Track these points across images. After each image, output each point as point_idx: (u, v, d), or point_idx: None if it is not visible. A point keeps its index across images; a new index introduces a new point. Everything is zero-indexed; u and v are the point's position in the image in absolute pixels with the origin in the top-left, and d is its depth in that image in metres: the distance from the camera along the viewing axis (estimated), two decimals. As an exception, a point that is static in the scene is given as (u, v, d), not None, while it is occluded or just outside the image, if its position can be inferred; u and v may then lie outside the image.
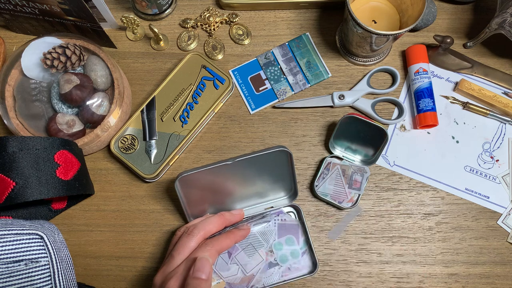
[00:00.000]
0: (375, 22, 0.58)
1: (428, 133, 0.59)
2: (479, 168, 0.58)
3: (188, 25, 0.62)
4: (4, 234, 0.44)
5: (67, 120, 0.53)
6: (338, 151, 0.58)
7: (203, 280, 0.42)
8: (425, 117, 0.57)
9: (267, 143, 0.59)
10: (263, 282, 0.51)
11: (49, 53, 0.52)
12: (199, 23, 0.63)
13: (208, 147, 0.59)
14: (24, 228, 0.45)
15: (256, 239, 0.52)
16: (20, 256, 0.44)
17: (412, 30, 0.62)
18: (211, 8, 0.63)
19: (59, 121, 0.53)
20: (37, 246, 0.45)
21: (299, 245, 0.53)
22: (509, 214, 0.56)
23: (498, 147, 0.58)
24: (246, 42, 0.62)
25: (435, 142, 0.59)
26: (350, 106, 0.60)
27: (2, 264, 0.43)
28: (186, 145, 0.58)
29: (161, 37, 0.61)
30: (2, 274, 0.43)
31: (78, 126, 0.54)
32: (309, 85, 0.60)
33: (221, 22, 0.63)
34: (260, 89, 0.60)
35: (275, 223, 0.54)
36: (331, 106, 0.60)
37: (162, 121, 0.57)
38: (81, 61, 0.54)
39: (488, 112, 0.58)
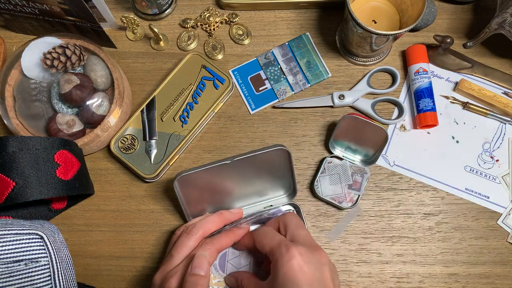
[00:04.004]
0: (375, 22, 0.58)
1: (428, 133, 0.59)
2: (479, 168, 0.58)
3: (188, 25, 0.62)
4: (4, 234, 0.44)
5: (67, 120, 0.53)
6: (338, 151, 0.58)
7: (201, 276, 0.42)
8: (425, 117, 0.57)
9: (267, 143, 0.59)
10: None
11: (49, 53, 0.52)
12: (199, 23, 0.63)
13: (208, 147, 0.59)
14: (24, 228, 0.45)
15: None
16: (20, 256, 0.44)
17: (412, 30, 0.62)
18: (211, 8, 0.63)
19: (59, 121, 0.53)
20: (37, 246, 0.45)
21: None
22: (509, 214, 0.56)
23: (498, 147, 0.58)
24: (246, 42, 0.62)
25: (435, 142, 0.59)
26: (350, 106, 0.60)
27: (2, 264, 0.43)
28: (186, 145, 0.58)
29: (161, 37, 0.61)
30: (2, 274, 0.43)
31: (78, 126, 0.54)
32: (309, 85, 0.60)
33: (221, 22, 0.63)
34: (260, 89, 0.60)
35: None
36: (331, 106, 0.60)
37: (162, 121, 0.57)
38: (81, 61, 0.54)
39: (488, 112, 0.58)
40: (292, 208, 0.55)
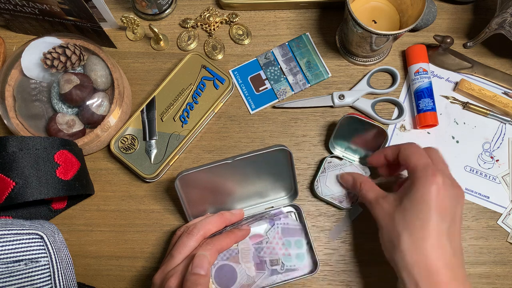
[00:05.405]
0: (375, 22, 0.58)
1: (428, 133, 0.59)
2: (479, 168, 0.58)
3: (188, 25, 0.62)
4: (4, 234, 0.44)
5: (67, 120, 0.53)
6: (338, 151, 0.58)
7: (202, 275, 0.42)
8: (425, 117, 0.57)
9: (267, 143, 0.59)
10: (264, 283, 0.51)
11: (49, 53, 0.52)
12: (199, 23, 0.63)
13: (208, 147, 0.59)
14: (24, 228, 0.45)
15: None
16: (20, 256, 0.44)
17: (412, 30, 0.62)
18: (211, 8, 0.63)
19: (59, 121, 0.53)
20: (37, 246, 0.45)
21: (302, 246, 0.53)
22: (509, 214, 0.56)
23: (498, 147, 0.58)
24: (246, 42, 0.62)
25: (435, 142, 0.59)
26: (350, 106, 0.60)
27: (2, 264, 0.43)
28: (186, 145, 0.58)
29: (161, 37, 0.61)
30: (2, 274, 0.43)
31: (78, 126, 0.54)
32: (309, 85, 0.60)
33: (221, 22, 0.63)
34: (260, 89, 0.60)
35: (278, 226, 0.54)
36: (331, 106, 0.60)
37: (162, 121, 0.57)
38: (81, 61, 0.54)
39: (488, 112, 0.58)
40: (293, 210, 0.55)
